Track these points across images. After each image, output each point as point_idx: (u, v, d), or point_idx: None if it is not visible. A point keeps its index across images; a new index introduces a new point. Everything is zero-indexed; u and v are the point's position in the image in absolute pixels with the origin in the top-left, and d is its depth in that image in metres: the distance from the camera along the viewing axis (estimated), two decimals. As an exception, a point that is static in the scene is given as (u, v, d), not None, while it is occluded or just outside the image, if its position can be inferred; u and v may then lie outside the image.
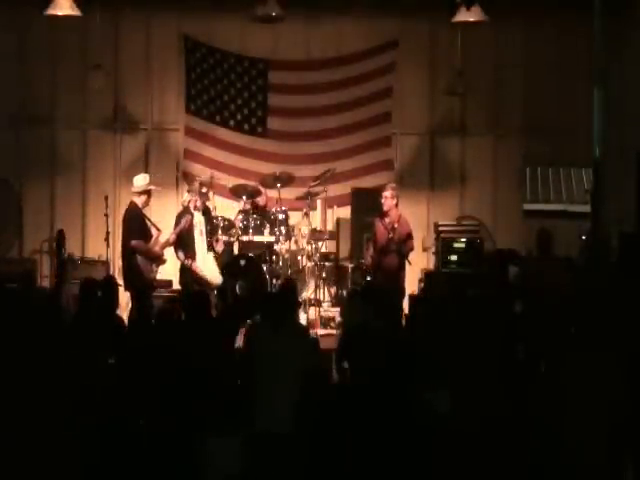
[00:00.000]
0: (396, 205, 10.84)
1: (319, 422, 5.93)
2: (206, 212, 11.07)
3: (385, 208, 10.84)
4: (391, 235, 10.65)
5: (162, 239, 10.68)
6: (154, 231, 10.61)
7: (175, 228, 10.82)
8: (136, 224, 10.42)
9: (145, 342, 7.00)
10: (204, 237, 10.65)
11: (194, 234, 10.78)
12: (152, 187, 10.64)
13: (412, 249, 11.01)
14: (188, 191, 12.25)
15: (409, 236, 10.85)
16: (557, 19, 12.94)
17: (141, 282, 10.21)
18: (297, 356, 6.81)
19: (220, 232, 11.38)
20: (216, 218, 11.46)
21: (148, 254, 10.35)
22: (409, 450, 5.56)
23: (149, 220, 10.68)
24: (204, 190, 11.13)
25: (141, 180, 10.67)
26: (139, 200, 10.51)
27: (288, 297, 7.31)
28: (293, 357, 6.78)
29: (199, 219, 10.84)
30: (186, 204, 11.94)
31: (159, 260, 10.56)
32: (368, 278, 11.01)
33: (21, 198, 13.13)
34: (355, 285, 11.26)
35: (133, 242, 10.33)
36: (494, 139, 13.41)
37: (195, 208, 10.87)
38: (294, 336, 7.01)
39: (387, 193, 10.82)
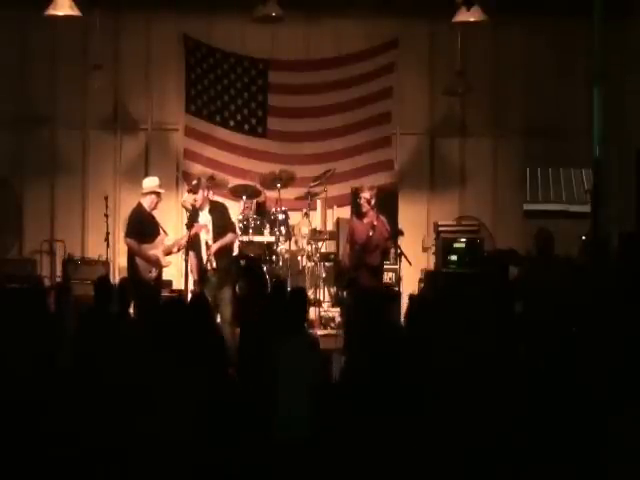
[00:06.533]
0: (372, 204, 10.77)
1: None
2: (213, 210, 10.46)
3: (364, 210, 10.79)
4: (371, 233, 10.65)
5: (167, 242, 10.58)
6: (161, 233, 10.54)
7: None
8: (135, 224, 10.41)
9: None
10: (209, 235, 10.40)
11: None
12: (159, 190, 10.58)
13: (391, 247, 11.17)
14: (188, 191, 12.23)
15: (389, 234, 10.84)
16: (557, 19, 12.94)
17: (139, 281, 10.19)
18: (301, 364, 6.76)
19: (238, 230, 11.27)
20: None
21: (140, 255, 10.27)
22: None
23: (156, 222, 10.59)
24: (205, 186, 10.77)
25: (149, 182, 10.67)
26: (145, 201, 10.49)
27: (299, 306, 7.25)
28: (299, 364, 6.74)
29: (206, 217, 10.54)
30: (187, 204, 11.88)
31: (154, 264, 10.38)
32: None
33: (21, 198, 13.12)
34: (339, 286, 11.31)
35: (127, 239, 10.36)
36: (494, 139, 13.41)
37: (198, 207, 10.54)
38: (301, 344, 6.96)
39: (366, 195, 10.76)
